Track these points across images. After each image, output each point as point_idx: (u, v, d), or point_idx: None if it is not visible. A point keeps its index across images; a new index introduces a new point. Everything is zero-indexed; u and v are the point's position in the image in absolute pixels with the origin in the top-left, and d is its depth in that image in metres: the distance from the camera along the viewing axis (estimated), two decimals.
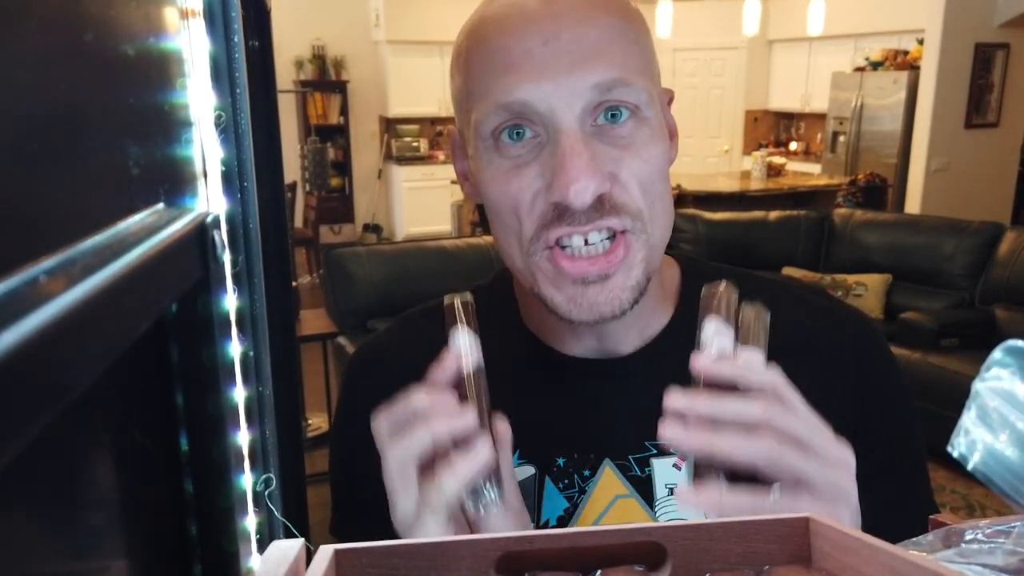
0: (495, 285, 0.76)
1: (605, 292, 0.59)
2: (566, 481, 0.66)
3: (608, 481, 0.66)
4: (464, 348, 0.56)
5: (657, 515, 0.65)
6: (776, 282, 0.76)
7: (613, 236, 0.59)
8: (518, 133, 0.59)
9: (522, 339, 0.71)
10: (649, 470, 0.66)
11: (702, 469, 0.49)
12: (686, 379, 0.67)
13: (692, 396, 0.49)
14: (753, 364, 0.50)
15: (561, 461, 0.67)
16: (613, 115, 0.58)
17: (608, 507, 0.66)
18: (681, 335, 0.68)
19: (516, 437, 0.67)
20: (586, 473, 0.66)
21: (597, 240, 0.59)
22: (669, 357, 0.67)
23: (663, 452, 0.66)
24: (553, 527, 0.65)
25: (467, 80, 0.61)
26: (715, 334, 0.53)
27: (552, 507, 0.66)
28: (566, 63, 0.56)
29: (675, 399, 0.49)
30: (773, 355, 0.68)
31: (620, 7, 0.61)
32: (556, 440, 0.67)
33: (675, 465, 0.66)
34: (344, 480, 0.76)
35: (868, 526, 0.69)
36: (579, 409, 0.68)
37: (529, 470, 0.67)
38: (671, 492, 0.65)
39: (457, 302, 0.58)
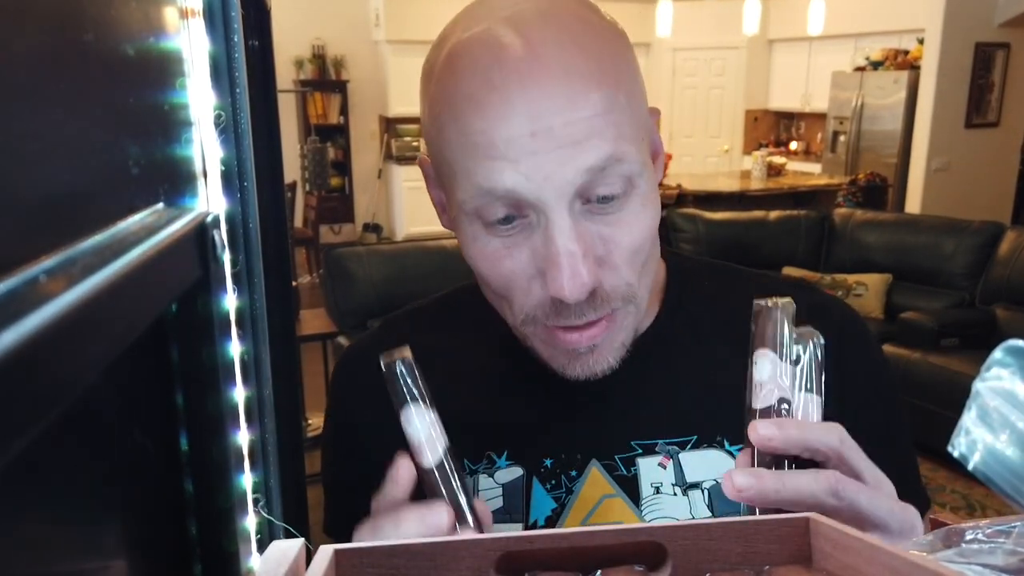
0: (479, 288, 0.77)
1: (595, 358, 0.61)
2: (553, 482, 0.67)
3: (595, 481, 0.66)
4: (425, 436, 0.50)
5: (643, 513, 0.65)
6: (757, 275, 0.76)
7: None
8: (506, 217, 0.56)
9: (509, 345, 0.70)
10: (635, 469, 0.66)
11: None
12: (670, 377, 0.69)
13: (756, 476, 0.46)
14: (815, 430, 0.47)
15: (548, 462, 0.67)
16: (603, 198, 0.56)
17: (595, 507, 0.66)
18: (666, 334, 0.70)
19: (504, 440, 0.68)
20: (573, 473, 0.66)
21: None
22: (654, 357, 0.69)
23: (648, 451, 0.66)
24: (541, 527, 0.66)
25: (441, 143, 0.57)
26: (770, 377, 0.49)
27: (540, 508, 0.67)
28: (556, 153, 0.53)
29: (740, 480, 0.46)
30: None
31: (606, 63, 0.55)
32: (543, 442, 0.67)
33: (660, 464, 0.66)
34: (340, 480, 0.77)
35: None
36: (566, 411, 0.68)
37: (517, 471, 0.67)
38: (656, 491, 0.65)
39: (400, 368, 0.51)
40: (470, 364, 0.72)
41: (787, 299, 0.49)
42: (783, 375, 0.49)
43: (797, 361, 0.50)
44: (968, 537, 0.38)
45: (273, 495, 0.58)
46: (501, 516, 0.67)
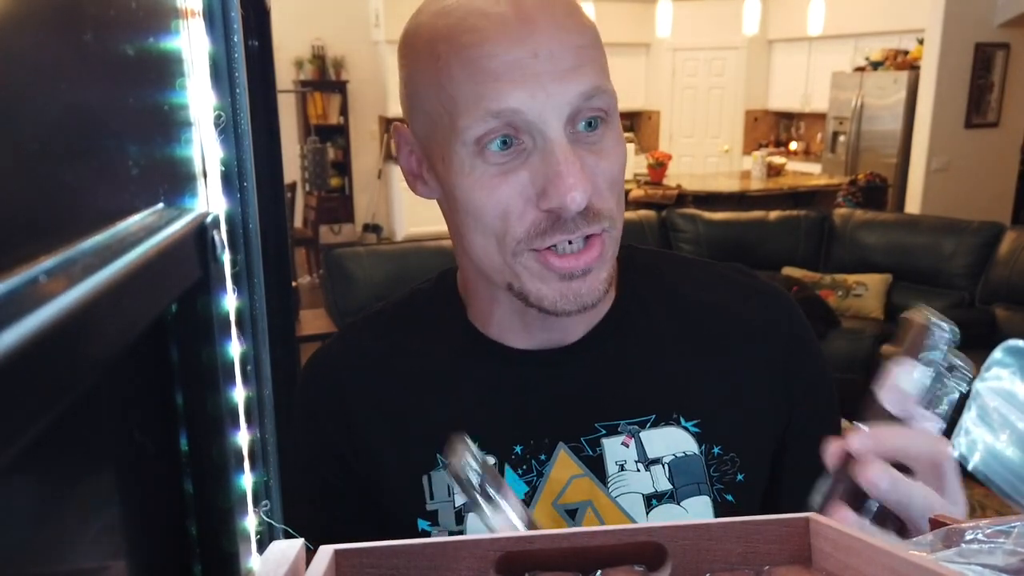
0: (437, 286, 0.79)
1: (587, 285, 0.63)
2: (524, 467, 0.70)
3: (563, 463, 0.70)
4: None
5: (610, 489, 0.69)
6: (704, 263, 0.81)
7: (587, 236, 0.63)
8: (504, 140, 0.60)
9: (471, 336, 0.74)
10: (600, 449, 0.70)
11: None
12: (627, 361, 0.73)
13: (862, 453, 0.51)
14: (916, 441, 0.50)
15: (519, 449, 0.70)
16: (589, 123, 0.61)
17: (565, 487, 0.70)
18: (623, 320, 0.74)
19: (475, 429, 0.70)
20: (542, 457, 0.70)
21: (579, 240, 0.63)
22: (611, 342, 0.73)
23: (612, 432, 0.70)
24: None
25: (447, 85, 0.60)
26: (907, 388, 0.51)
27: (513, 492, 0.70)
28: (555, 74, 0.58)
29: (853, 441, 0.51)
30: (711, 338, 0.74)
31: (583, 14, 0.63)
32: (512, 430, 0.71)
33: (623, 443, 0.70)
34: (313, 490, 0.77)
35: (794, 485, 0.73)
36: (531, 398, 0.72)
37: (489, 460, 0.70)
38: (621, 468, 0.70)
39: (469, 469, 0.54)
40: (435, 362, 0.75)
41: (953, 325, 0.52)
42: (915, 389, 0.51)
43: (935, 381, 0.51)
44: (968, 537, 0.38)
45: (273, 495, 0.58)
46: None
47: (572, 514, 0.70)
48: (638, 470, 0.69)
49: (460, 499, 0.70)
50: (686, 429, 0.70)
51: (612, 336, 0.73)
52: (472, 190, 0.62)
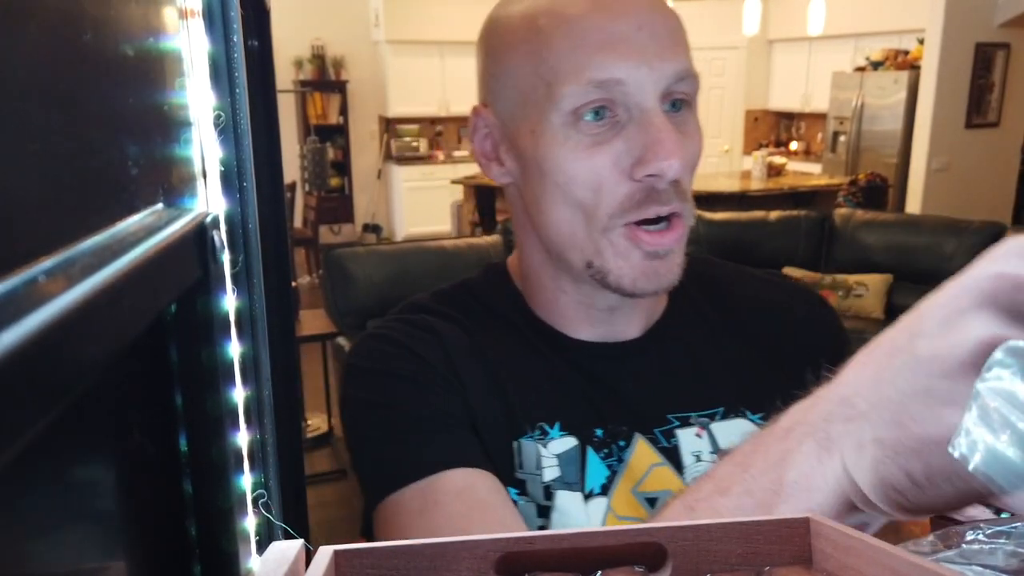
0: (489, 279, 0.78)
1: (667, 264, 0.65)
2: (606, 451, 0.70)
3: (642, 452, 0.70)
4: None
5: (687, 481, 0.69)
6: (738, 266, 0.83)
7: (671, 215, 0.65)
8: (597, 112, 0.61)
9: (536, 325, 0.74)
10: (675, 440, 0.70)
11: None
12: (689, 356, 0.74)
13: None
14: None
15: (599, 432, 0.70)
16: (674, 103, 0.63)
17: (644, 475, 0.70)
18: (679, 317, 0.76)
19: (556, 411, 0.70)
20: (621, 443, 0.70)
21: (667, 221, 0.65)
22: (672, 338, 0.74)
23: (684, 424, 0.71)
24: (597, 495, 0.68)
25: (547, 56, 0.61)
26: None
27: (595, 475, 0.69)
28: (657, 49, 0.60)
29: None
30: (763, 333, 0.75)
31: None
32: (592, 414, 0.70)
33: (696, 434, 0.71)
34: (437, 412, 0.67)
35: None
36: (603, 388, 0.72)
37: (571, 441, 0.69)
38: (697, 459, 0.70)
39: None
40: (510, 343, 0.73)
41: None
42: None
43: None
44: (969, 538, 0.38)
45: (272, 496, 0.58)
46: (560, 485, 0.68)
47: (652, 502, 0.68)
48: (713, 461, 0.69)
49: (548, 475, 0.67)
50: (753, 422, 0.71)
51: (672, 332, 0.74)
52: (565, 160, 0.62)
